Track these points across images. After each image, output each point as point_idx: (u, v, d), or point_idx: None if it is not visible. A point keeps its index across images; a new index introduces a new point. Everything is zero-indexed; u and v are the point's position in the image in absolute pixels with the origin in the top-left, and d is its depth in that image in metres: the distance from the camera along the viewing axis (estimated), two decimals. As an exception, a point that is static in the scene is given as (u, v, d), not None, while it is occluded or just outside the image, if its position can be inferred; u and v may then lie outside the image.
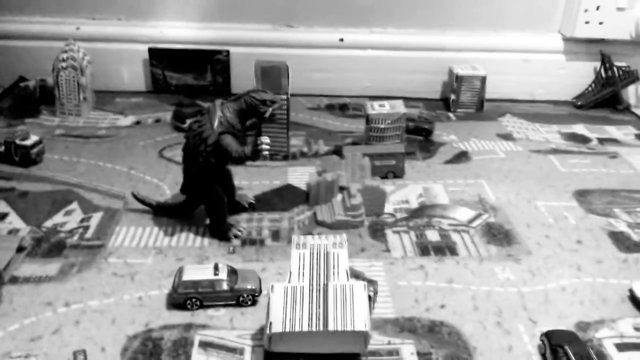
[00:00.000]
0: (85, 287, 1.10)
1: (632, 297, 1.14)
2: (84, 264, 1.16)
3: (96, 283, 1.11)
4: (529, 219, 1.39)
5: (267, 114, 1.24)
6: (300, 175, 1.54)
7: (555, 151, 1.73)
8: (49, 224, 1.29)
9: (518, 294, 1.14)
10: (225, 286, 1.07)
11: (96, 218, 1.31)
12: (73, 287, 1.10)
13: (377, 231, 1.33)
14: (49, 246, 1.21)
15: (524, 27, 2.07)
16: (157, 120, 1.82)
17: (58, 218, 1.31)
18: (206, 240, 1.26)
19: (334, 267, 1.02)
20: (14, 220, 1.29)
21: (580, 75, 2.09)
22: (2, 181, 1.44)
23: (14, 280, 1.11)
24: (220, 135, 1.19)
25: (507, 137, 1.81)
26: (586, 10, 1.97)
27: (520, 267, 1.22)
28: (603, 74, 2.04)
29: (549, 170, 1.62)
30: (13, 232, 1.25)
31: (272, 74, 1.63)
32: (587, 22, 1.99)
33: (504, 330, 1.05)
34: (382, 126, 1.61)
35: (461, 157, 1.68)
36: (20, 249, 1.17)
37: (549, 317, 1.09)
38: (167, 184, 1.47)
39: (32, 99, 1.86)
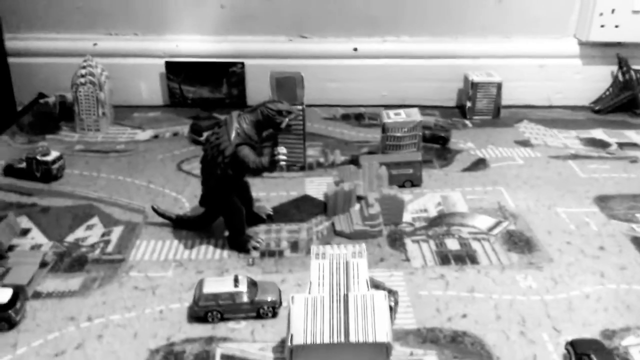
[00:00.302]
0: (107, 301, 1.11)
1: (658, 304, 1.12)
2: (105, 278, 1.17)
3: (118, 297, 1.12)
4: (549, 226, 1.37)
5: (283, 125, 1.25)
6: (317, 186, 1.54)
7: (574, 157, 1.71)
8: (70, 238, 1.30)
9: (541, 302, 1.13)
10: (245, 298, 1.07)
11: (117, 232, 1.32)
12: (95, 302, 1.11)
13: (396, 240, 1.32)
14: (71, 261, 1.22)
15: (539, 32, 2.06)
16: (175, 134, 1.84)
17: (79, 233, 1.32)
18: (225, 253, 1.27)
19: (354, 277, 1.01)
20: (37, 236, 1.31)
21: (597, 79, 2.08)
22: (24, 197, 1.46)
23: (37, 295, 1.12)
24: (237, 147, 1.20)
25: (524, 143, 1.80)
26: (601, 14, 1.96)
27: (542, 275, 1.21)
28: (620, 78, 2.02)
29: (569, 176, 1.60)
30: (35, 247, 1.27)
31: (287, 85, 1.64)
32: (602, 26, 1.98)
33: (527, 340, 1.04)
34: (399, 135, 1.61)
35: (479, 164, 1.67)
36: (43, 264, 1.18)
37: (574, 325, 1.07)
38: (186, 197, 1.48)
39: (52, 115, 1.89)
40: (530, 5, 2.01)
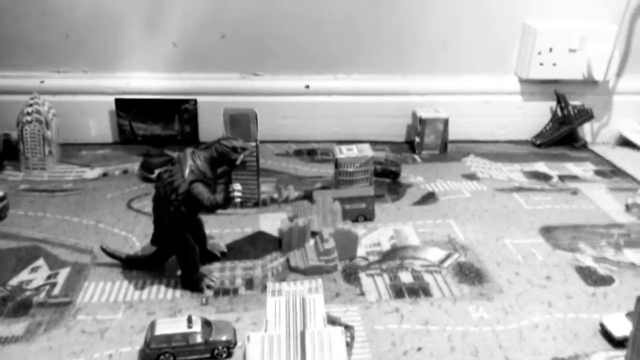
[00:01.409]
0: (53, 346, 1.07)
1: (603, 331, 1.16)
2: (51, 323, 1.13)
3: (65, 342, 1.08)
4: (498, 257, 1.41)
5: (238, 161, 1.25)
6: (271, 222, 1.54)
7: (518, 189, 1.78)
8: (14, 282, 1.25)
9: (493, 332, 1.15)
10: (199, 339, 1.05)
11: (63, 274, 1.28)
12: (41, 348, 1.06)
13: (351, 275, 1.33)
14: (15, 305, 1.18)
15: (483, 70, 2.15)
16: (125, 172, 1.81)
17: (24, 275, 1.27)
18: (178, 292, 1.25)
19: (310, 314, 1.01)
20: (-22, 280, 1.25)
21: (537, 114, 2.17)
22: (-35, 239, 1.40)
23: (-22, 342, 1.07)
24: (191, 184, 1.19)
25: (471, 177, 1.86)
26: (540, 53, 2.06)
27: (493, 306, 1.23)
28: (559, 113, 2.12)
29: (514, 208, 1.66)
30: (-24, 292, 1.21)
31: (241, 122, 1.64)
32: (541, 64, 2.08)
33: (481, 370, 1.06)
34: (351, 170, 1.63)
35: (429, 198, 1.71)
36: (-16, 310, 1.13)
37: (525, 355, 1.10)
38: (136, 236, 1.45)
39: (-5, 153, 1.83)
40: (474, 44, 2.10)
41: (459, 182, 1.82)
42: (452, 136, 2.07)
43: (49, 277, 1.27)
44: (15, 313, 1.15)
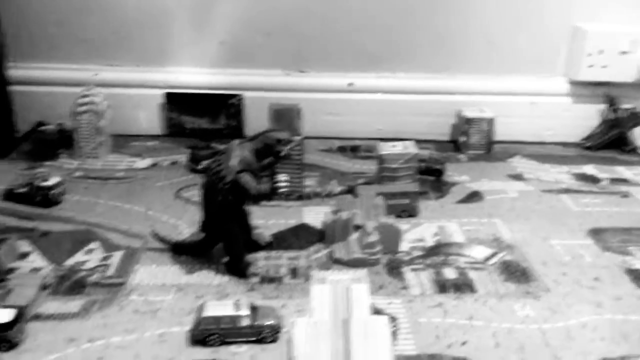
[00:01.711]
0: (108, 323, 1.11)
1: (654, 333, 1.13)
2: (105, 302, 1.17)
3: (118, 320, 1.12)
4: (545, 257, 1.40)
5: (283, 153, 1.28)
6: (315, 215, 1.56)
7: (566, 191, 1.75)
8: (70, 262, 1.30)
9: (539, 330, 1.14)
10: (246, 322, 1.07)
11: (117, 257, 1.33)
12: (96, 324, 1.10)
13: (394, 269, 1.33)
14: (71, 284, 1.22)
15: (530, 71, 2.13)
16: (174, 163, 1.86)
17: (79, 257, 1.32)
18: (225, 278, 1.27)
19: (355, 302, 1.02)
20: (36, 260, 1.31)
21: (586, 117, 2.13)
22: (24, 221, 1.46)
23: (38, 317, 1.12)
24: (238, 174, 1.22)
25: (518, 177, 1.84)
26: (590, 54, 2.03)
27: (539, 304, 1.22)
28: (609, 116, 2.07)
29: (562, 209, 1.63)
30: (35, 270, 1.26)
31: (285, 116, 1.67)
32: (590, 66, 2.04)
33: (527, 366, 1.05)
34: (394, 166, 1.64)
35: (474, 196, 1.70)
36: (43, 287, 1.18)
37: (573, 354, 1.08)
38: (185, 223, 1.49)
39: (51, 142, 1.90)
40: (522, 45, 2.08)
41: (504, 182, 1.80)
42: (497, 137, 2.05)
43: (103, 259, 1.32)
44: (71, 291, 1.20)
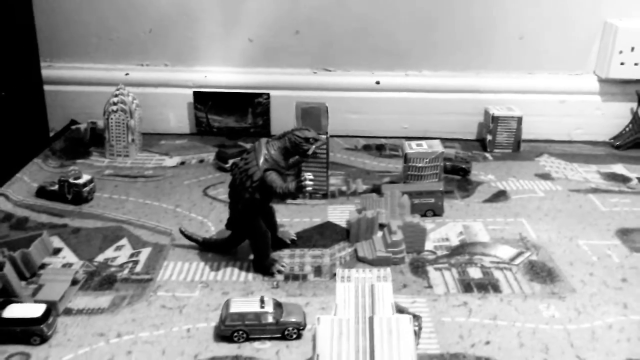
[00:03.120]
0: (136, 319, 1.14)
1: (683, 336, 1.11)
2: (134, 297, 1.20)
3: (146, 315, 1.15)
4: (571, 257, 1.38)
5: (310, 152, 1.28)
6: (340, 213, 1.57)
7: (595, 190, 1.72)
8: (100, 258, 1.34)
9: (564, 331, 1.13)
10: (271, 319, 1.09)
11: (145, 253, 1.36)
12: (124, 319, 1.13)
13: (419, 268, 1.34)
14: (101, 280, 1.26)
15: (559, 69, 2.10)
16: (201, 161, 1.89)
17: (109, 253, 1.36)
18: (250, 275, 1.29)
19: (379, 300, 1.03)
20: (68, 255, 1.35)
21: (616, 115, 2.10)
22: (56, 218, 1.51)
23: (68, 311, 1.15)
24: (265, 172, 1.24)
25: (545, 176, 1.82)
26: (621, 52, 1.99)
27: (565, 305, 1.21)
28: (640, 114, 2.04)
29: (590, 209, 1.61)
30: (66, 266, 1.30)
31: (312, 115, 1.68)
32: (622, 64, 2.01)
33: (551, 367, 1.04)
34: (420, 165, 1.64)
35: (500, 196, 1.69)
36: (74, 282, 1.21)
37: (597, 355, 1.07)
38: (212, 221, 1.51)
39: (83, 141, 1.95)
40: (551, 42, 2.05)
41: (532, 181, 1.78)
42: (525, 135, 2.03)
43: (132, 255, 1.35)
44: (101, 287, 1.24)
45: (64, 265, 1.30)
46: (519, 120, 1.99)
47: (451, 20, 2.02)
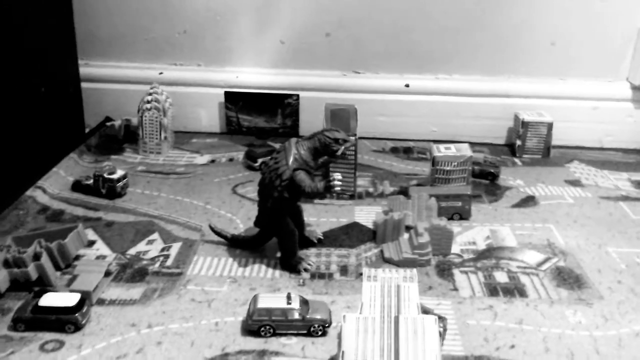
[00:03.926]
0: (166, 311, 1.17)
1: None
2: (165, 290, 1.23)
3: (176, 308, 1.18)
4: (599, 264, 1.37)
5: (339, 152, 1.30)
6: (366, 214, 1.58)
7: (625, 198, 1.70)
8: (132, 251, 1.37)
9: (590, 337, 1.13)
10: (297, 315, 1.10)
11: (175, 248, 1.39)
12: (155, 311, 1.17)
13: (445, 270, 1.34)
14: (133, 272, 1.29)
15: (592, 75, 2.08)
16: (231, 160, 1.92)
17: (141, 247, 1.39)
18: (277, 272, 1.31)
19: (404, 301, 1.04)
20: (101, 248, 1.39)
21: (650, 123, 2.07)
22: (91, 211, 1.55)
23: (101, 302, 1.19)
24: (294, 171, 1.26)
25: (575, 183, 1.80)
26: (656, 59, 1.97)
27: (592, 311, 1.20)
28: (675, 122, 2.00)
29: (620, 217, 1.59)
30: (100, 258, 1.34)
31: (341, 116, 1.70)
32: (656, 71, 1.98)
33: (576, 373, 1.04)
34: (448, 168, 1.64)
35: (528, 201, 1.68)
36: (107, 274, 1.25)
37: (624, 363, 1.06)
38: (240, 219, 1.54)
39: (117, 137, 2.00)
40: (584, 48, 2.04)
41: (561, 187, 1.77)
42: (555, 141, 2.01)
43: (163, 249, 1.38)
44: (133, 279, 1.27)
45: (97, 257, 1.34)
46: (550, 126, 1.97)
47: (483, 24, 2.02)
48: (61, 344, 1.07)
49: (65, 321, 1.09)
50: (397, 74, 2.11)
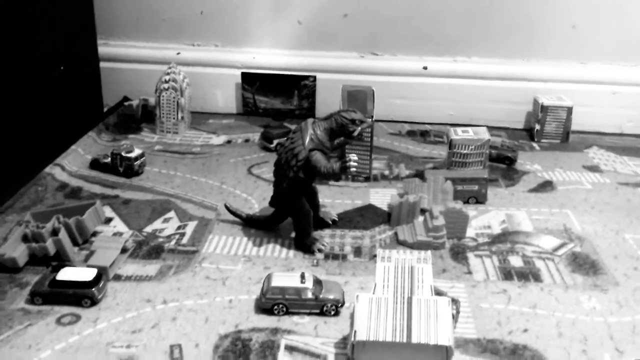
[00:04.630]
0: (181, 287, 1.18)
1: None
2: (180, 267, 1.25)
3: (191, 285, 1.19)
4: (616, 251, 1.36)
5: (356, 133, 1.30)
6: (381, 197, 1.58)
7: (645, 184, 1.68)
8: (149, 229, 1.39)
9: (604, 323, 1.12)
10: (310, 294, 1.11)
11: (191, 226, 1.40)
12: (170, 287, 1.18)
13: (459, 254, 1.34)
14: (149, 249, 1.31)
15: (613, 59, 2.04)
16: (247, 140, 1.92)
17: (157, 224, 1.41)
18: (291, 252, 1.32)
19: (418, 282, 1.04)
20: (118, 225, 1.40)
21: (672, 108, 2.03)
22: (108, 189, 1.57)
23: (118, 277, 1.21)
24: (310, 152, 1.25)
25: (593, 168, 1.78)
26: (681, 43, 1.92)
27: (607, 297, 1.19)
28: (699, 108, 1.96)
29: (638, 203, 1.57)
30: (117, 235, 1.36)
31: (358, 98, 1.69)
32: (681, 55, 1.94)
33: (589, 358, 1.03)
34: (465, 152, 1.63)
35: (545, 186, 1.66)
36: (123, 250, 1.26)
37: (637, 348, 1.06)
38: (255, 199, 1.55)
39: (135, 117, 2.01)
40: (606, 31, 2.00)
41: (579, 172, 1.75)
42: (575, 126, 1.99)
43: (179, 227, 1.40)
44: (149, 256, 1.29)
45: (114, 234, 1.36)
46: (569, 110, 1.95)
47: (502, 6, 1.99)
48: (77, 317, 1.09)
49: (82, 295, 1.11)
50: (415, 56, 2.09)
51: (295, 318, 1.11)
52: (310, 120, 1.30)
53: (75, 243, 1.29)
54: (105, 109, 2.06)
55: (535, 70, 2.04)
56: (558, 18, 1.99)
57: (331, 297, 1.12)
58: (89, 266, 1.18)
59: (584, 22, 1.99)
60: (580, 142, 1.98)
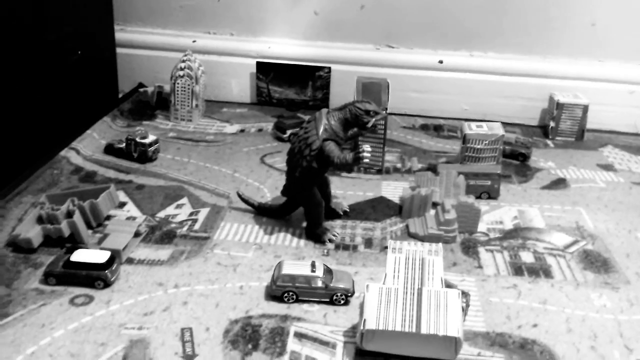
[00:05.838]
0: (193, 272, 1.19)
1: None
2: (192, 253, 1.26)
3: (202, 270, 1.20)
4: (628, 249, 1.35)
5: (369, 124, 1.30)
6: (393, 189, 1.58)
7: (660, 185, 1.67)
8: (161, 214, 1.40)
9: (614, 321, 1.12)
10: (320, 283, 1.12)
11: (203, 213, 1.41)
12: (182, 272, 1.19)
13: (470, 248, 1.34)
14: (162, 234, 1.32)
15: (631, 58, 2.02)
16: (260, 130, 1.93)
17: (170, 210, 1.42)
18: (302, 242, 1.33)
19: (428, 273, 1.05)
20: (132, 209, 1.41)
21: (689, 109, 2.01)
22: (122, 174, 1.58)
23: (130, 261, 1.22)
24: (324, 142, 1.26)
25: (608, 167, 1.77)
26: (701, 43, 1.90)
27: (617, 296, 1.19)
28: None
29: (653, 203, 1.57)
30: (130, 219, 1.37)
31: (372, 90, 1.69)
32: (701, 55, 1.92)
33: (598, 354, 1.03)
34: (479, 147, 1.62)
35: (559, 183, 1.65)
36: (136, 234, 1.27)
37: (648, 347, 1.05)
38: (267, 188, 1.55)
39: (150, 103, 2.02)
40: (625, 30, 1.98)
41: (593, 171, 1.74)
42: (590, 124, 1.97)
43: (191, 214, 1.41)
44: (162, 241, 1.30)
45: (128, 218, 1.37)
46: (585, 108, 1.93)
47: (521, 1, 1.97)
48: (90, 298, 1.10)
49: (95, 277, 1.12)
50: (431, 49, 2.08)
51: (305, 306, 1.11)
52: (324, 111, 1.30)
53: (89, 226, 1.31)
54: (120, 95, 2.07)
55: (551, 67, 2.03)
56: (578, 15, 1.97)
57: (341, 286, 1.13)
58: (102, 249, 1.19)
59: (603, 20, 1.97)
60: (595, 140, 1.96)
